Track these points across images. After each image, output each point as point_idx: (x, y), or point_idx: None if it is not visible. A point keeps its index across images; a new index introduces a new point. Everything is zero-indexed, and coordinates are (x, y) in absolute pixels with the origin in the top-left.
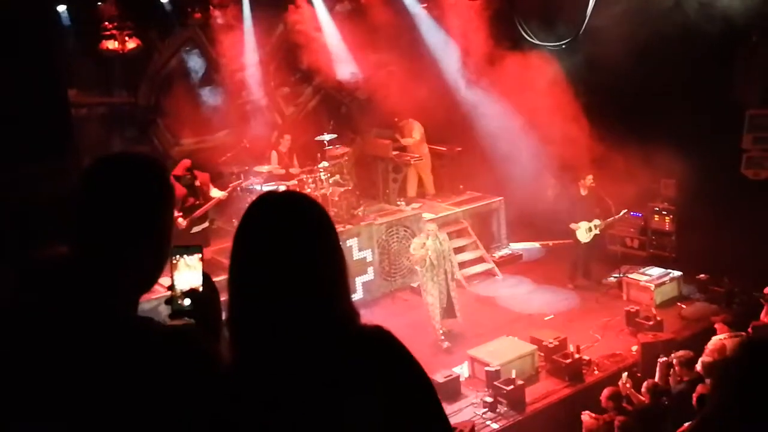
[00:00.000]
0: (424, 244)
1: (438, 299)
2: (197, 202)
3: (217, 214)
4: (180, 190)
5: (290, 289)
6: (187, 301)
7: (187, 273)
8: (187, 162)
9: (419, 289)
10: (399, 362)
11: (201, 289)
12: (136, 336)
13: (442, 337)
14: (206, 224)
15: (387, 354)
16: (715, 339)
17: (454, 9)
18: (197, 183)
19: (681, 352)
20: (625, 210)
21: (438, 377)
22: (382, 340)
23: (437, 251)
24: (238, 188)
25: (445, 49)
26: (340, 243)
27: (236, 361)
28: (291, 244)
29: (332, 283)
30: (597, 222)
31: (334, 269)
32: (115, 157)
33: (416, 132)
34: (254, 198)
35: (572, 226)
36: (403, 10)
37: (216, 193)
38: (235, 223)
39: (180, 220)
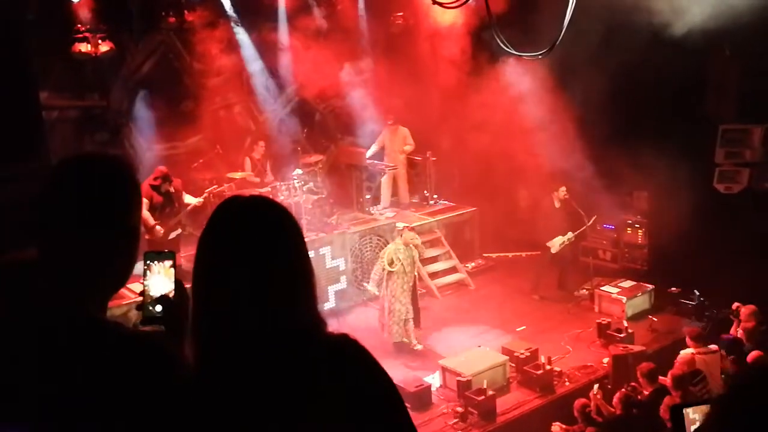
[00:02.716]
0: (400, 259)
1: (407, 307)
2: (173, 209)
3: (188, 220)
4: (157, 198)
5: (253, 295)
6: (158, 308)
7: (158, 279)
8: (162, 169)
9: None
10: (365, 371)
11: (172, 295)
12: (101, 340)
13: (415, 342)
14: (179, 231)
15: (353, 362)
16: (684, 352)
17: (430, 19)
18: (171, 189)
19: (644, 364)
20: (595, 217)
21: (409, 387)
22: (349, 348)
23: (411, 258)
24: (210, 195)
25: (422, 59)
26: (308, 249)
27: (200, 367)
28: (253, 250)
29: (297, 290)
30: (569, 235)
31: (299, 276)
32: (81, 156)
33: (410, 138)
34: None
35: (548, 243)
36: (379, 18)
37: (191, 199)
38: None
39: (158, 228)
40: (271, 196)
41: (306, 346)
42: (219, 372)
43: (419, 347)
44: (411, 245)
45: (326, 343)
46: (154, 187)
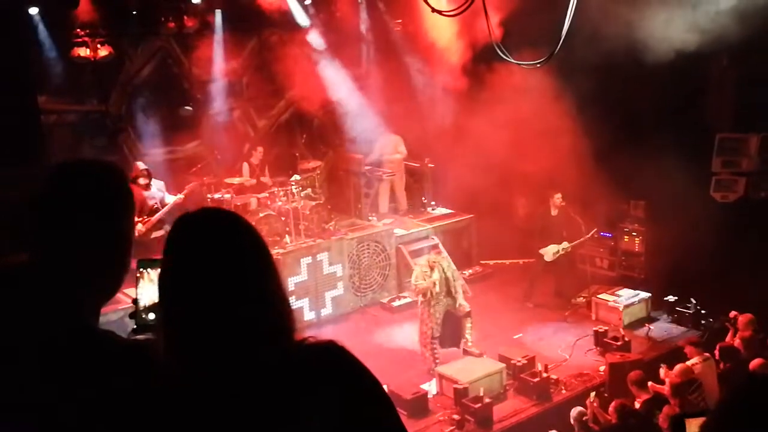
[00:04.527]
0: (428, 274)
1: (432, 328)
2: (155, 206)
3: (172, 219)
4: (137, 195)
5: (211, 307)
6: (151, 316)
7: (151, 287)
8: (139, 165)
9: (389, 305)
10: (351, 377)
11: None
12: (93, 349)
13: (436, 363)
14: (163, 231)
15: (338, 369)
16: (682, 364)
17: (428, 25)
18: (153, 188)
19: (632, 373)
20: (595, 230)
21: (406, 394)
22: (333, 355)
23: (434, 281)
24: (209, 198)
25: (421, 65)
26: (267, 255)
27: (182, 379)
28: (202, 263)
29: (250, 297)
30: (566, 245)
31: (262, 281)
32: (74, 163)
33: (402, 146)
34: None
35: (541, 251)
36: (379, 25)
37: (171, 198)
38: None
39: (139, 225)
40: (269, 202)
41: (286, 354)
42: (200, 385)
43: (434, 369)
44: (437, 268)
45: (310, 349)
46: (131, 181)
